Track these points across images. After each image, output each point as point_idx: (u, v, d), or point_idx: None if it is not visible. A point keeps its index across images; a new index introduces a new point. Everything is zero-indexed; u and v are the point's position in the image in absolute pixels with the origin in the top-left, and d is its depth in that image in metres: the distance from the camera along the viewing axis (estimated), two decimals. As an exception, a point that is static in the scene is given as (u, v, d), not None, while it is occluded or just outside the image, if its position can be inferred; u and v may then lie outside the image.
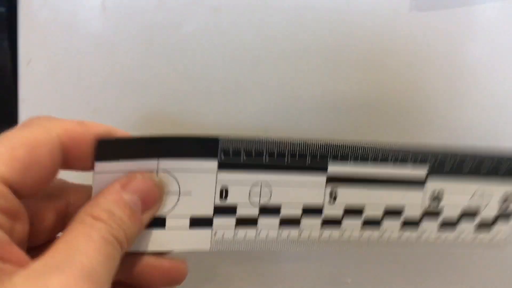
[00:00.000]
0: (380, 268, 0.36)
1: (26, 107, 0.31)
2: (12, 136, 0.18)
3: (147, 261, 0.22)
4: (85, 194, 0.21)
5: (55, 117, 0.20)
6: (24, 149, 0.18)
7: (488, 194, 0.27)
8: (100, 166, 0.20)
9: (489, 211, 0.27)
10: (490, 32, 0.32)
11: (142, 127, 0.31)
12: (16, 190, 0.18)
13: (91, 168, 0.20)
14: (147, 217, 0.21)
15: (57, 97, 0.31)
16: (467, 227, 0.27)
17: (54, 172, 0.19)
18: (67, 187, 0.22)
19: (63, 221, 0.21)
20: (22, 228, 0.19)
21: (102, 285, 0.17)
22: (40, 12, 0.30)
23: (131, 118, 0.31)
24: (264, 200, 0.23)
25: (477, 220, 0.27)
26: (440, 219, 0.26)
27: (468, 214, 0.27)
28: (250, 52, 0.30)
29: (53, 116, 0.20)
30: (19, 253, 0.18)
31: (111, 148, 0.20)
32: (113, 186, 0.20)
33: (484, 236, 0.27)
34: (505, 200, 0.27)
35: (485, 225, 0.27)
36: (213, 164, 0.22)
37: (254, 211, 0.23)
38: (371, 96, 0.32)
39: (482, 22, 0.32)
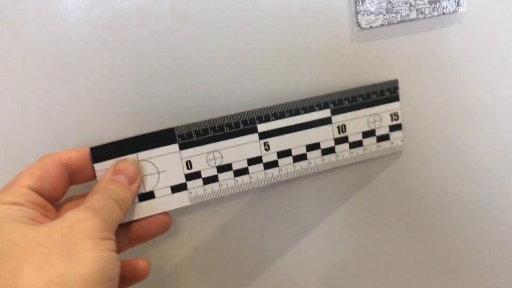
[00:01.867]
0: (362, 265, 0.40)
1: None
2: (32, 165, 0.29)
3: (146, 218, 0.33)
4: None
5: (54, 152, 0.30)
6: (38, 169, 0.28)
7: (378, 117, 0.35)
8: (97, 166, 0.31)
9: (384, 128, 0.36)
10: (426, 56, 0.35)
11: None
12: (40, 193, 0.28)
13: (92, 179, 0.31)
14: (134, 187, 0.31)
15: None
16: (370, 141, 0.36)
17: (63, 184, 0.29)
18: (82, 196, 0.31)
19: None
20: (53, 216, 0.28)
21: (105, 219, 0.26)
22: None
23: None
24: (218, 162, 0.33)
25: (377, 134, 0.36)
26: (349, 142, 0.35)
27: (368, 133, 0.36)
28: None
29: (53, 152, 0.30)
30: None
31: (101, 152, 0.31)
32: (106, 173, 0.31)
33: (385, 144, 0.36)
34: (393, 116, 0.36)
35: (383, 137, 0.36)
36: (175, 147, 0.32)
37: (213, 171, 0.33)
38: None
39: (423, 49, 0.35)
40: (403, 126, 0.36)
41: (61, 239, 0.24)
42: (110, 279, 0.24)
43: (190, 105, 0.34)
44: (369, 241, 0.39)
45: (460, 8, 0.34)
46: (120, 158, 0.31)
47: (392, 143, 0.36)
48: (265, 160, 0.34)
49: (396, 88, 0.35)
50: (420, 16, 0.34)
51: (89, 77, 0.31)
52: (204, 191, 0.33)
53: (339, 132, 0.35)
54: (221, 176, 0.33)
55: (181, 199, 0.33)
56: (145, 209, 0.32)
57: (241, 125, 0.33)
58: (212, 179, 0.33)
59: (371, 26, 0.34)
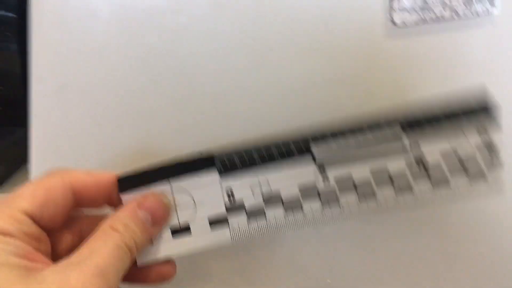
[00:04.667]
0: (361, 268, 0.38)
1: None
2: (35, 181, 0.24)
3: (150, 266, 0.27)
4: (96, 221, 0.26)
5: (71, 168, 0.25)
6: (42, 191, 0.24)
7: (467, 146, 0.28)
8: (124, 196, 0.26)
9: (476, 164, 0.28)
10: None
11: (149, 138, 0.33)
12: (36, 221, 0.23)
13: (100, 206, 0.26)
14: (156, 230, 0.26)
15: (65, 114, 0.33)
16: (459, 180, 0.28)
17: (67, 210, 0.25)
18: (80, 217, 0.27)
19: (79, 242, 0.25)
20: (45, 247, 0.24)
21: (111, 282, 0.22)
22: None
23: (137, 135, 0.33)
24: (265, 190, 0.27)
25: (467, 173, 0.28)
26: (432, 179, 0.27)
27: (456, 169, 0.27)
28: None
29: (69, 168, 0.26)
30: (45, 259, 0.23)
31: (128, 181, 0.26)
32: (130, 204, 0.25)
33: (480, 183, 0.28)
34: (487, 147, 0.28)
35: (478, 173, 0.28)
36: (215, 175, 0.27)
37: (259, 202, 0.27)
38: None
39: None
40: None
41: None
42: None
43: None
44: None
45: (494, 10, 0.34)
46: (151, 190, 0.27)
47: (487, 181, 0.28)
48: (322, 193, 0.27)
49: (489, 109, 0.27)
50: (454, 16, 0.34)
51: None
52: (248, 226, 0.27)
53: (417, 165, 0.27)
54: (269, 211, 0.28)
55: (220, 236, 0.27)
56: (179, 247, 0.27)
57: (293, 148, 0.27)
58: (258, 212, 0.28)
59: (405, 24, 0.34)
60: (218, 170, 0.27)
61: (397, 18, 0.33)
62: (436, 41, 0.34)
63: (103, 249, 0.23)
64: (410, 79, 0.34)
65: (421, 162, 0.27)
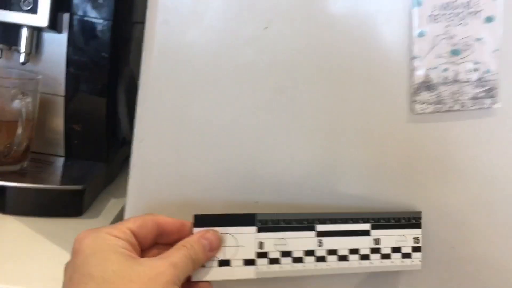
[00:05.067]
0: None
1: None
2: (137, 216, 0.38)
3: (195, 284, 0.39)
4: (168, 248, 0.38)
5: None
6: (140, 220, 0.37)
7: (404, 238, 0.44)
8: (194, 230, 0.39)
9: (408, 247, 0.44)
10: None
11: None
12: (135, 236, 0.36)
13: (173, 242, 0.38)
14: (211, 254, 0.39)
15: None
16: (396, 256, 0.44)
17: (153, 237, 0.38)
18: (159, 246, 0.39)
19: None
20: (139, 253, 0.36)
21: (179, 275, 0.34)
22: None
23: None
24: (282, 248, 0.41)
25: (401, 252, 0.44)
26: (380, 253, 0.43)
27: (396, 249, 0.44)
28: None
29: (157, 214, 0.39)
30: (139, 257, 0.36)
31: (201, 220, 0.39)
32: (198, 233, 0.38)
33: (407, 261, 0.44)
34: (415, 239, 0.44)
35: (407, 255, 0.44)
36: (254, 229, 0.40)
37: (277, 254, 0.41)
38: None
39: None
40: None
41: (148, 282, 0.32)
42: None
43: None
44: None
45: (496, 104, 0.43)
46: (211, 229, 0.39)
47: (413, 261, 0.44)
48: (317, 254, 0.42)
49: (419, 218, 0.44)
50: (462, 108, 0.43)
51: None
52: (268, 270, 0.41)
53: (374, 244, 0.43)
54: (282, 260, 0.41)
55: (248, 272, 0.40)
56: (221, 273, 0.39)
57: (305, 223, 0.41)
58: (275, 261, 0.41)
59: (423, 112, 0.43)
60: (257, 226, 0.40)
61: (417, 108, 0.42)
62: (446, 127, 0.43)
63: (176, 254, 0.36)
64: (421, 155, 0.44)
65: (377, 241, 0.43)
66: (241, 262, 0.40)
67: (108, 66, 0.66)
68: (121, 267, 0.33)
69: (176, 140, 0.42)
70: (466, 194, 0.45)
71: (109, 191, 0.70)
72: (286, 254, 0.41)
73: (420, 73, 0.41)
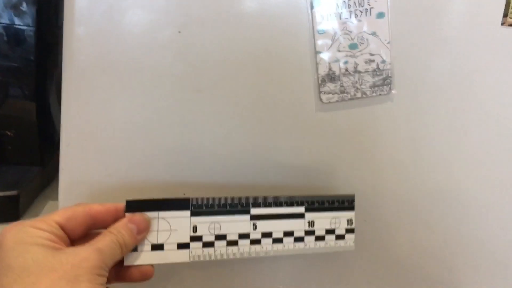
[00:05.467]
0: (312, 276, 0.52)
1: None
2: (67, 207, 0.38)
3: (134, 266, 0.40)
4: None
5: (91, 203, 0.39)
6: (69, 212, 0.37)
7: (338, 220, 0.45)
8: (127, 215, 0.39)
9: (341, 229, 0.45)
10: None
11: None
12: (63, 228, 0.36)
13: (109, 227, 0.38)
14: (140, 237, 0.39)
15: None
16: (330, 238, 0.45)
17: (84, 228, 0.38)
18: (95, 234, 0.38)
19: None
20: (68, 244, 0.36)
21: (106, 261, 0.35)
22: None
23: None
24: (216, 231, 0.42)
25: (335, 233, 0.45)
26: (315, 235, 0.45)
27: (330, 231, 0.45)
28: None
29: (90, 203, 0.39)
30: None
31: (133, 205, 0.39)
32: (124, 219, 0.39)
33: (341, 242, 0.45)
34: (348, 221, 0.45)
35: (341, 236, 0.45)
36: (188, 213, 0.41)
37: (211, 238, 0.42)
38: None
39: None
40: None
41: (71, 269, 0.32)
42: None
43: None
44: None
45: (392, 91, 0.48)
46: (146, 213, 0.40)
47: (346, 242, 0.45)
48: (251, 237, 0.43)
49: (353, 201, 0.45)
50: (364, 96, 0.47)
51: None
52: (202, 253, 0.41)
53: (309, 226, 0.44)
54: (217, 243, 0.42)
55: (183, 255, 0.41)
56: (154, 257, 0.40)
57: (239, 206, 0.42)
58: (210, 244, 0.42)
59: (329, 102, 0.48)
60: (190, 210, 0.41)
61: (324, 98, 0.46)
62: (351, 114, 0.48)
63: (102, 240, 0.36)
64: (332, 140, 0.48)
65: (312, 223, 0.45)
66: (174, 246, 0.41)
67: (35, 70, 0.67)
68: (42, 256, 0.32)
69: (102, 142, 0.44)
70: (375, 173, 0.50)
71: (46, 194, 0.71)
72: (220, 237, 0.42)
73: (324, 66, 0.46)
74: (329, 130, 0.48)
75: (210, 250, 0.42)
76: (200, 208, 0.41)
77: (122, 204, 0.39)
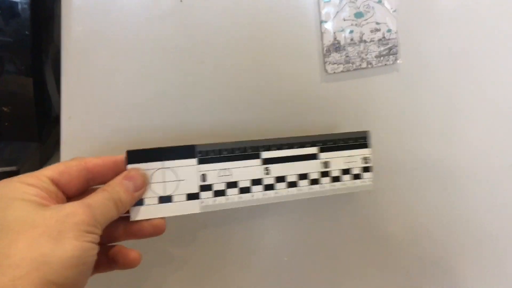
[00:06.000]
0: (315, 249, 0.52)
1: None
2: (63, 161, 0.35)
3: (145, 221, 0.38)
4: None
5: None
6: (62, 166, 0.35)
7: (353, 159, 0.43)
8: (129, 166, 0.37)
9: (357, 168, 0.43)
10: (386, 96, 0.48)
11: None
12: (55, 183, 0.34)
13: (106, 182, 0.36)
14: (137, 194, 0.36)
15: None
16: (347, 178, 0.43)
17: (79, 182, 0.35)
18: (94, 189, 0.36)
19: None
20: (59, 201, 0.34)
21: (98, 218, 0.32)
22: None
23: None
24: (227, 179, 0.39)
25: (352, 173, 0.43)
26: (331, 176, 0.43)
27: (346, 171, 0.43)
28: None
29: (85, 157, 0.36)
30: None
31: (134, 156, 0.37)
32: (119, 176, 0.36)
33: (358, 182, 0.44)
34: (365, 159, 0.44)
35: (357, 176, 0.44)
36: (194, 161, 0.39)
37: (222, 186, 0.39)
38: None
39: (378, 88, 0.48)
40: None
41: (54, 224, 0.30)
42: (84, 264, 0.30)
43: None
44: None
45: (398, 61, 0.47)
46: (134, 167, 0.37)
47: (364, 181, 0.44)
48: (265, 182, 0.40)
49: (366, 137, 0.43)
50: (369, 66, 0.47)
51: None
52: (213, 202, 0.39)
53: (323, 167, 0.42)
54: (228, 191, 0.39)
55: (193, 206, 0.38)
56: (162, 210, 0.37)
57: (249, 150, 0.40)
58: (221, 193, 0.39)
59: (334, 72, 0.47)
60: (197, 158, 0.39)
61: (329, 68, 0.46)
62: (356, 84, 0.47)
63: (93, 196, 0.33)
64: (337, 111, 0.47)
65: (327, 164, 0.43)
66: (184, 197, 0.38)
67: (30, 44, 0.65)
68: (24, 213, 0.30)
69: (104, 114, 0.43)
70: (379, 143, 0.49)
71: (45, 170, 0.70)
72: (231, 185, 0.39)
73: (328, 36, 0.45)
74: (334, 101, 0.47)
75: (221, 199, 0.39)
76: (207, 154, 0.39)
77: (121, 156, 0.37)
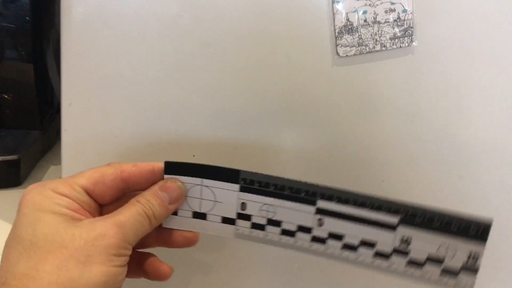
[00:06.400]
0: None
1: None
2: (96, 168, 0.34)
3: (177, 231, 0.37)
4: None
5: (123, 162, 0.35)
6: (97, 174, 0.33)
7: (453, 248, 0.33)
8: (166, 177, 0.35)
9: (455, 262, 0.33)
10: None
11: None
12: (89, 193, 0.33)
13: (144, 189, 0.34)
14: (172, 207, 0.35)
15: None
16: (432, 270, 0.33)
17: (116, 190, 0.34)
18: (128, 196, 0.35)
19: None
20: (94, 212, 0.33)
21: (128, 235, 0.31)
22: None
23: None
24: (269, 215, 0.36)
25: (442, 266, 0.33)
26: (408, 258, 0.34)
27: (434, 260, 0.33)
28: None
29: (122, 162, 0.34)
30: (91, 217, 0.32)
31: (172, 167, 0.35)
32: (154, 186, 0.34)
33: (449, 281, 0.34)
34: (469, 256, 0.33)
35: (450, 272, 0.33)
36: (236, 186, 0.35)
37: (263, 221, 0.36)
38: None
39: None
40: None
41: (83, 247, 0.29)
42: None
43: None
44: None
45: (413, 43, 0.45)
46: (172, 178, 0.35)
47: (457, 285, 0.33)
48: (315, 233, 0.35)
49: (487, 229, 0.32)
50: (383, 48, 0.44)
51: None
52: (250, 233, 0.36)
53: (400, 243, 0.33)
54: (268, 228, 0.36)
55: (227, 231, 0.36)
56: (195, 225, 0.36)
57: (302, 194, 0.34)
58: (259, 227, 0.36)
59: (346, 55, 0.45)
60: (240, 184, 0.35)
61: (341, 51, 0.43)
62: (369, 67, 0.45)
63: (126, 212, 0.32)
64: (348, 96, 0.45)
65: (405, 241, 0.33)
66: (218, 219, 0.36)
67: (31, 30, 0.64)
68: (54, 229, 0.29)
69: (106, 100, 0.42)
70: (393, 130, 0.47)
71: (47, 158, 0.69)
72: (273, 223, 0.35)
73: (341, 17, 0.43)
74: (345, 85, 0.45)
75: (260, 233, 0.36)
76: (251, 184, 0.35)
77: (159, 164, 0.35)
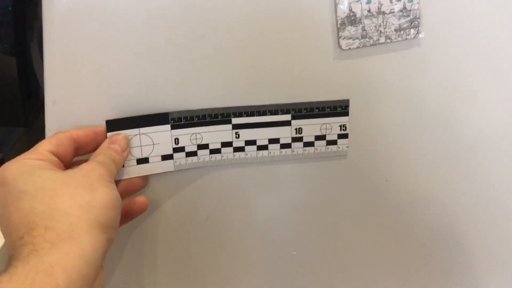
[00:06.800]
0: (324, 241, 0.48)
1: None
2: (49, 137, 0.37)
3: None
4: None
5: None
6: (54, 139, 0.36)
7: (330, 126, 0.44)
8: (109, 134, 0.39)
9: (333, 134, 0.44)
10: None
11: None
12: (55, 155, 0.35)
13: (93, 151, 0.38)
14: (125, 154, 0.39)
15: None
16: (321, 144, 0.44)
17: (71, 151, 0.37)
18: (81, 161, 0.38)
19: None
20: (63, 169, 0.36)
21: (108, 170, 0.35)
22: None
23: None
24: (199, 142, 0.42)
25: (326, 139, 0.44)
26: (303, 142, 0.44)
27: (320, 137, 0.44)
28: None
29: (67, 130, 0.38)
30: None
31: (113, 124, 0.39)
32: (104, 143, 0.39)
33: (333, 147, 0.45)
34: (342, 127, 0.44)
35: (332, 142, 0.44)
36: (168, 126, 0.41)
37: (194, 148, 0.42)
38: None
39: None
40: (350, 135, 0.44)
41: (82, 179, 0.33)
42: (118, 208, 0.34)
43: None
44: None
45: (420, 35, 0.42)
46: (116, 132, 0.39)
47: (339, 147, 0.44)
48: (234, 145, 0.43)
49: (347, 106, 0.43)
50: (388, 40, 0.42)
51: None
52: (186, 162, 0.42)
53: (296, 133, 0.43)
54: (200, 152, 0.42)
55: (168, 166, 0.42)
56: (140, 170, 0.41)
57: (219, 117, 0.42)
58: (193, 154, 0.42)
59: (349, 48, 0.42)
60: (170, 124, 0.41)
61: (343, 44, 0.41)
62: (373, 61, 0.42)
63: (97, 157, 0.37)
64: (351, 90, 0.43)
65: (299, 130, 0.44)
66: (159, 158, 0.42)
67: (13, 21, 0.60)
68: (52, 175, 0.32)
69: (93, 97, 0.39)
70: (397, 124, 0.45)
71: (33, 156, 0.66)
72: (202, 146, 0.42)
73: (343, 7, 0.40)
74: (348, 80, 0.43)
75: (193, 158, 0.43)
76: (179, 121, 0.41)
77: (100, 128, 0.39)
